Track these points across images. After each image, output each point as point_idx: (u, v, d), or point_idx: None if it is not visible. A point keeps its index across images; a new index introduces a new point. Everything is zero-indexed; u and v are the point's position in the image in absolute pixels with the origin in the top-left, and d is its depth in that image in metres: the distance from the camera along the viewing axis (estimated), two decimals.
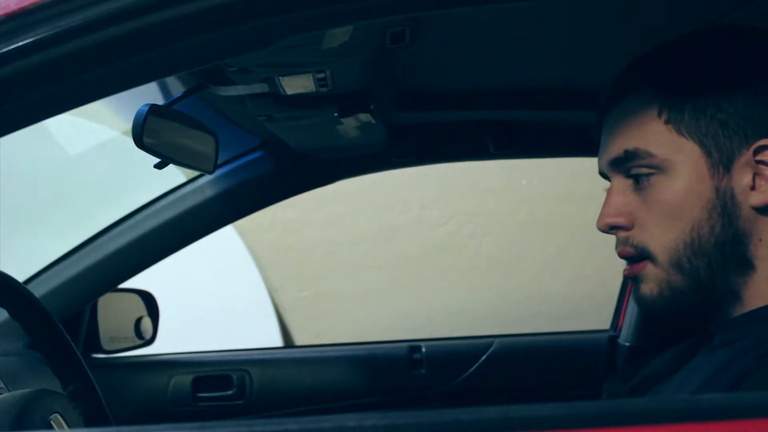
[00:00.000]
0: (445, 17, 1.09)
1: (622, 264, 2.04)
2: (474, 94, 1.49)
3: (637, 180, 0.90)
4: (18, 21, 0.73)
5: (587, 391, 1.78)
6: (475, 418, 0.61)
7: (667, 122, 0.87)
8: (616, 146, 0.92)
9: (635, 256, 0.90)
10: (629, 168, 0.90)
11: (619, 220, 0.91)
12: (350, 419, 0.60)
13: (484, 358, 1.80)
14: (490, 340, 1.82)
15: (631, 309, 1.81)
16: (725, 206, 0.85)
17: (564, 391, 1.78)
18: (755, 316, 0.86)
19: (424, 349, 1.81)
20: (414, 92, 1.46)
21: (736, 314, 0.87)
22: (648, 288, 0.89)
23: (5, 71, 0.73)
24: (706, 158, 0.86)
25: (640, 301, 0.91)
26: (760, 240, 0.85)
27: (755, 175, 0.85)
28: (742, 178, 0.85)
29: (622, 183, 0.92)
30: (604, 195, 0.96)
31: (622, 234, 0.91)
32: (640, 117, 0.89)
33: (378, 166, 1.75)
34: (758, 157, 0.84)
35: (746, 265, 0.86)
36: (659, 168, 0.88)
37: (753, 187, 0.85)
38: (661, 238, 0.88)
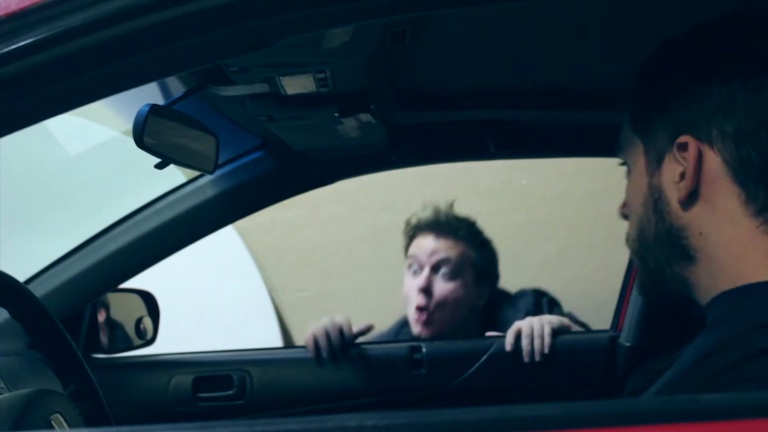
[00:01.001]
0: (445, 17, 1.09)
1: (622, 264, 2.05)
2: (474, 94, 1.49)
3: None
4: (18, 21, 0.73)
5: (588, 391, 1.78)
6: (476, 418, 0.61)
7: (629, 120, 0.93)
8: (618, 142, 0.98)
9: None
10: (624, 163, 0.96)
11: (624, 210, 0.97)
12: (351, 419, 0.60)
13: (484, 358, 1.80)
14: (490, 340, 1.82)
15: (632, 309, 1.81)
16: (656, 202, 0.88)
17: (564, 391, 1.78)
18: (715, 302, 0.86)
19: (424, 349, 1.81)
20: (414, 92, 1.46)
21: (702, 302, 0.89)
22: (637, 271, 0.97)
23: (5, 71, 0.73)
24: (645, 155, 0.90)
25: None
26: (701, 233, 0.85)
27: (682, 172, 0.86)
28: (670, 174, 0.87)
29: None
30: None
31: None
32: (627, 116, 0.95)
33: (378, 166, 1.75)
34: (681, 154, 0.85)
35: (688, 258, 0.87)
36: (625, 163, 0.95)
37: (678, 183, 0.86)
38: (629, 229, 0.95)
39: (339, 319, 1.84)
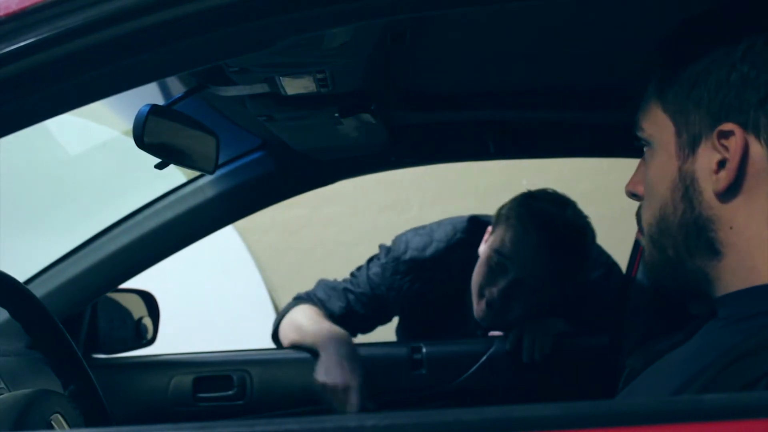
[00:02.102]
0: (445, 18, 1.09)
1: (622, 264, 2.04)
2: (474, 94, 1.49)
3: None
4: (19, 21, 0.73)
5: (588, 391, 1.78)
6: (476, 418, 0.61)
7: (657, 97, 0.86)
8: (636, 118, 0.91)
9: (637, 225, 0.92)
10: (639, 140, 0.90)
11: (635, 189, 0.91)
12: (351, 419, 0.60)
13: (484, 358, 1.80)
14: (490, 340, 1.82)
15: (632, 310, 1.81)
16: (687, 190, 0.83)
17: (564, 392, 1.78)
18: (728, 299, 0.84)
19: (424, 350, 1.81)
20: (414, 92, 1.46)
21: (716, 295, 0.85)
22: (645, 255, 0.91)
23: (6, 71, 0.73)
24: (676, 137, 0.84)
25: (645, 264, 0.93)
26: (731, 228, 0.81)
27: (720, 161, 0.80)
28: (706, 162, 0.81)
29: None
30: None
31: (640, 203, 0.92)
32: (649, 91, 0.89)
33: (378, 166, 1.75)
34: (722, 142, 0.80)
35: (713, 252, 0.83)
36: (647, 142, 0.88)
37: (716, 173, 0.81)
38: (645, 212, 0.89)
39: (358, 372, 1.66)
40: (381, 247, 1.93)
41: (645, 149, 0.89)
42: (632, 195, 0.92)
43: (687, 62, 0.83)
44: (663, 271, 0.88)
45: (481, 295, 1.73)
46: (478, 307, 1.74)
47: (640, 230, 0.91)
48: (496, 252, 1.69)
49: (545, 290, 1.71)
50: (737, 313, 0.81)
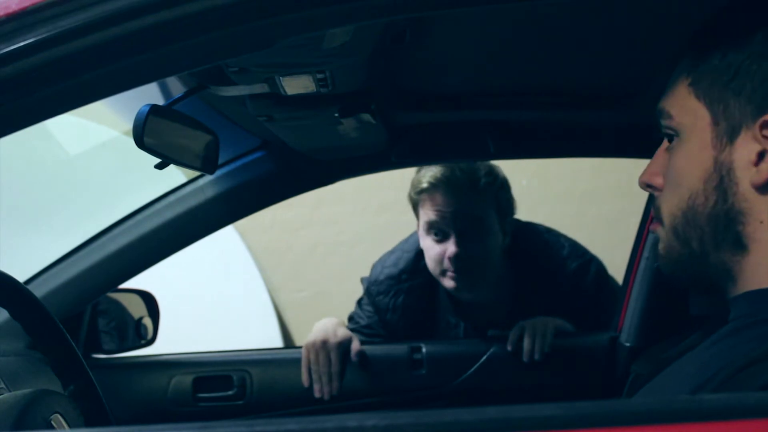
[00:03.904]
0: (445, 18, 1.09)
1: (622, 264, 2.04)
2: (474, 94, 1.49)
3: (670, 140, 0.87)
4: (19, 21, 0.73)
5: (588, 391, 1.78)
6: (476, 418, 0.61)
7: (690, 84, 0.84)
8: (659, 106, 0.89)
9: (654, 217, 0.90)
10: (661, 127, 0.88)
11: (653, 180, 0.89)
12: (351, 419, 0.60)
13: (484, 358, 1.80)
14: (490, 340, 1.83)
15: (632, 309, 1.81)
16: (722, 180, 0.81)
17: (564, 391, 1.78)
18: (742, 299, 0.82)
19: (424, 350, 1.81)
20: (414, 92, 1.46)
21: (732, 293, 0.84)
22: (660, 247, 0.89)
23: (6, 71, 0.73)
24: (713, 126, 0.82)
25: (657, 258, 0.90)
26: (761, 222, 0.79)
27: (760, 152, 0.79)
28: (745, 153, 0.80)
29: (665, 144, 0.89)
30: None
31: (655, 194, 0.90)
32: (675, 79, 0.87)
33: (378, 166, 1.75)
34: (764, 133, 0.78)
35: (739, 246, 0.81)
36: (675, 131, 0.85)
37: (756, 165, 0.79)
38: (669, 203, 0.86)
39: (341, 333, 1.78)
40: (362, 280, 2.02)
41: (671, 138, 0.87)
42: (648, 186, 0.90)
43: (726, 51, 0.81)
44: (682, 264, 0.86)
45: (444, 271, 1.82)
46: (448, 282, 1.82)
47: (659, 222, 0.88)
48: (428, 225, 1.82)
49: (484, 219, 1.81)
50: (750, 315, 0.80)
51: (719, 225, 0.82)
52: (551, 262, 1.93)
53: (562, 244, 1.96)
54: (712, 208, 0.82)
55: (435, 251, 1.82)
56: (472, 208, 1.80)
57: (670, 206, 0.86)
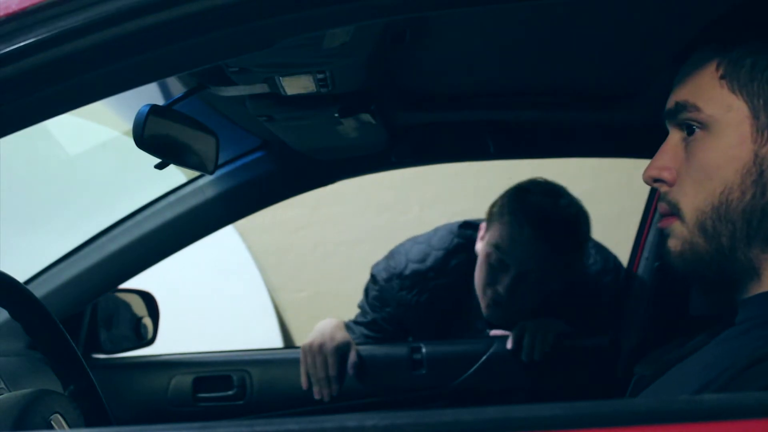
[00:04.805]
0: (445, 18, 1.09)
1: (621, 263, 2.03)
2: (474, 94, 1.49)
3: (690, 133, 0.86)
4: (18, 21, 0.73)
5: (588, 391, 1.78)
6: (476, 418, 0.61)
7: (722, 77, 0.83)
8: (671, 99, 0.88)
9: (667, 213, 0.88)
10: (680, 120, 0.86)
11: (663, 174, 0.88)
12: (351, 419, 0.60)
13: (484, 358, 1.80)
14: (490, 340, 1.82)
15: (632, 310, 1.82)
16: (761, 174, 0.80)
17: (564, 392, 1.78)
18: (754, 301, 0.82)
19: (424, 350, 1.81)
20: (414, 92, 1.46)
21: (752, 292, 0.83)
22: (673, 244, 0.87)
23: (6, 71, 0.73)
24: (752, 120, 0.81)
25: (666, 254, 0.88)
26: None
27: None
28: None
29: (675, 137, 0.88)
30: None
31: (664, 189, 0.88)
32: (698, 71, 0.86)
33: (378, 166, 1.75)
34: None
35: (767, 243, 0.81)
36: (704, 124, 0.84)
37: None
38: (693, 198, 0.84)
39: (339, 337, 1.75)
40: (374, 267, 1.94)
41: (691, 131, 0.86)
42: (656, 181, 0.88)
43: (762, 45, 0.81)
44: (705, 260, 0.85)
45: (486, 293, 1.73)
46: (485, 305, 1.75)
47: (677, 217, 0.87)
48: (495, 248, 1.69)
49: (549, 281, 1.71)
50: (760, 316, 0.79)
51: (754, 220, 0.81)
52: (587, 287, 1.86)
53: (595, 259, 1.89)
54: (748, 202, 0.81)
55: (490, 272, 1.71)
56: (546, 275, 1.69)
57: (695, 201, 0.84)
